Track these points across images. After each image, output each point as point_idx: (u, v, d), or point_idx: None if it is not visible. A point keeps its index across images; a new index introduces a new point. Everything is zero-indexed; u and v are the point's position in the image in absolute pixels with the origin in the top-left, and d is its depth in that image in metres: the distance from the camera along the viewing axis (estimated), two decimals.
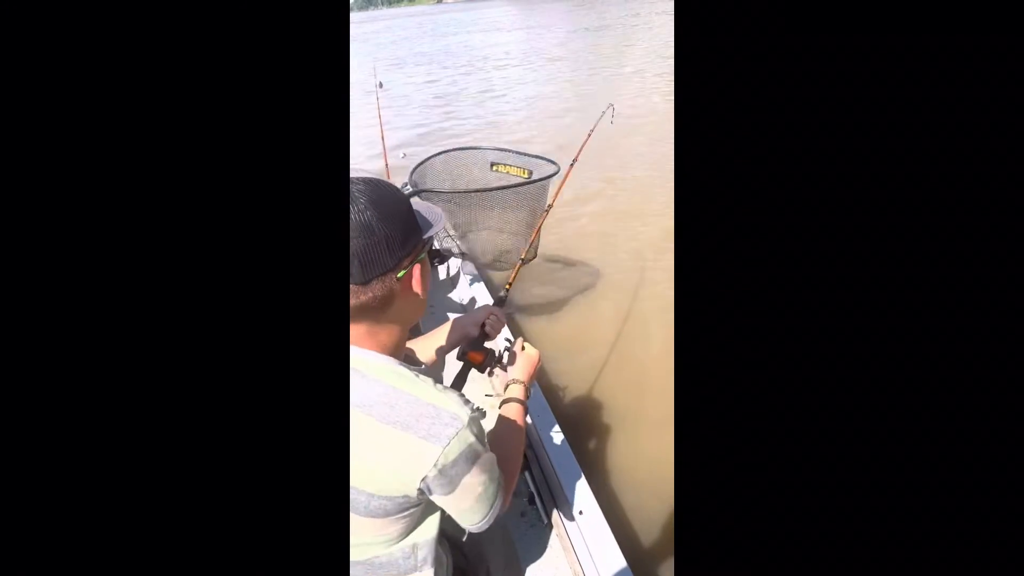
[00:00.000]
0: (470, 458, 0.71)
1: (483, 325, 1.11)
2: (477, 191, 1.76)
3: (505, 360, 1.08)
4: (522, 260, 1.41)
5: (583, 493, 1.38)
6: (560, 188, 1.49)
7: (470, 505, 0.74)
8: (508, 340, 1.13)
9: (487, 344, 1.10)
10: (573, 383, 2.51)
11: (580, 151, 1.49)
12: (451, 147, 1.95)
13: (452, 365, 1.08)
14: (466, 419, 0.70)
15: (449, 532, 0.97)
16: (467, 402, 0.73)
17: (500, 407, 1.00)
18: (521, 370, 1.05)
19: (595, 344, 2.81)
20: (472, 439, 0.71)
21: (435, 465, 0.67)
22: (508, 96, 9.60)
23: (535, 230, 1.46)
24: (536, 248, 1.44)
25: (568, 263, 3.70)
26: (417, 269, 0.73)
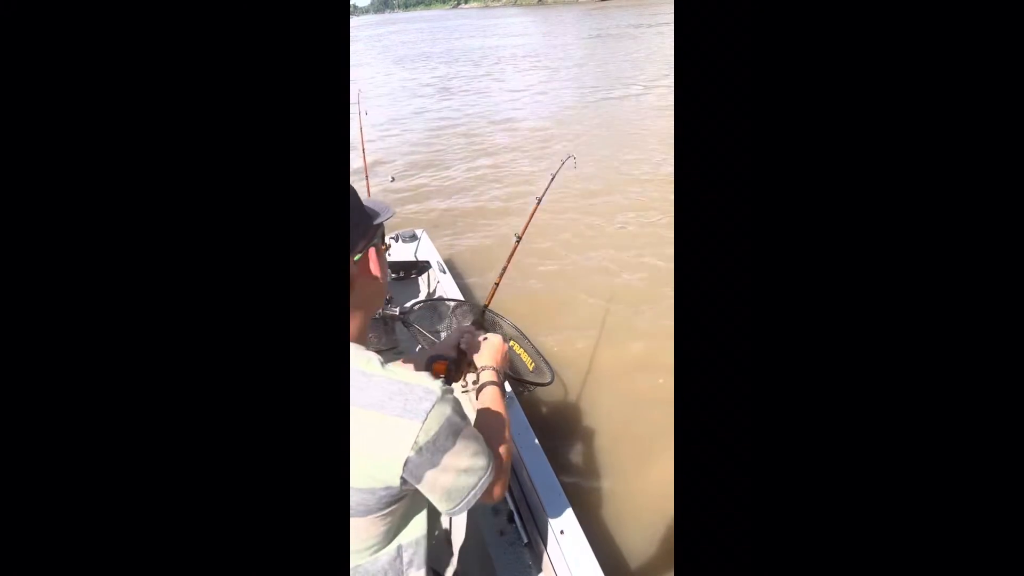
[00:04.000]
0: (452, 431, 0.68)
1: (459, 344, 1.08)
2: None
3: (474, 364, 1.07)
4: (495, 285, 1.42)
5: (563, 511, 1.36)
6: (528, 222, 1.55)
7: (455, 482, 0.70)
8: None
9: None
10: (554, 399, 2.49)
11: (543, 194, 1.58)
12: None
13: None
14: (440, 392, 0.68)
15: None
16: (438, 380, 0.71)
17: (476, 394, 0.98)
18: (488, 357, 1.04)
19: (577, 359, 2.79)
20: (450, 411, 0.68)
21: (415, 443, 0.65)
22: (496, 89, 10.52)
23: (508, 258, 1.49)
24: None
25: (546, 275, 3.70)
26: (372, 252, 0.74)
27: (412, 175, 6.12)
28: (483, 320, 1.31)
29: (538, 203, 1.62)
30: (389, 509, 0.71)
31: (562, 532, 1.31)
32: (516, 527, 1.47)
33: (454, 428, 0.69)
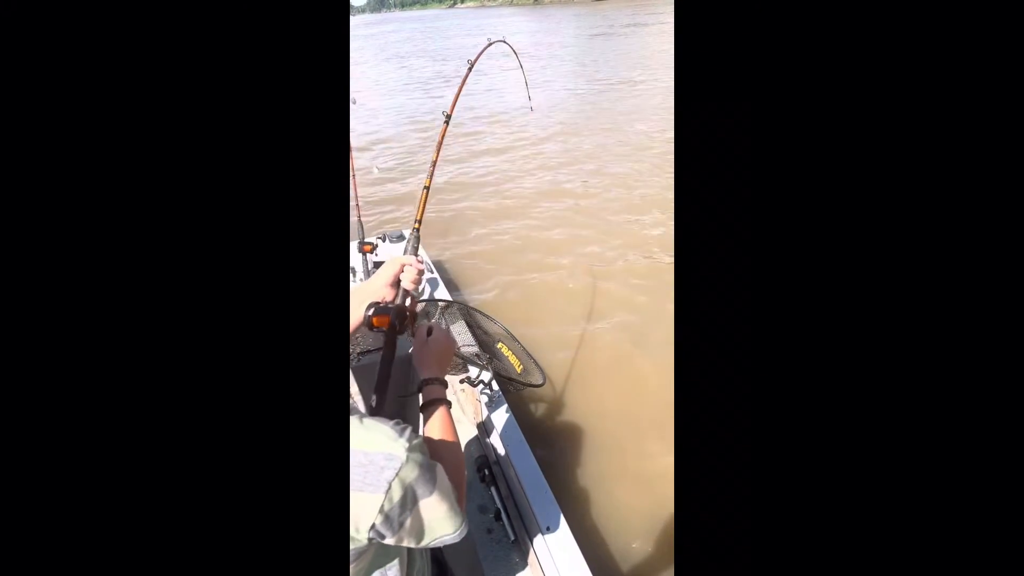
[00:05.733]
0: (416, 492, 0.65)
1: (397, 283, 0.93)
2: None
3: (430, 316, 0.91)
4: (425, 188, 1.32)
5: (550, 508, 1.36)
6: (456, 98, 1.50)
7: (424, 529, 0.68)
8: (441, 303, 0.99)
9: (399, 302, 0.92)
10: (542, 397, 2.50)
11: (461, 89, 1.50)
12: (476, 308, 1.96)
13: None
14: (403, 456, 0.63)
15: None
16: (403, 431, 0.66)
17: (421, 412, 0.86)
18: (434, 363, 0.89)
19: (561, 355, 2.80)
20: (415, 473, 0.64)
21: (380, 512, 0.62)
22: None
23: (439, 141, 1.39)
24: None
25: (525, 270, 3.72)
26: None
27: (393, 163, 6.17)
28: (417, 241, 1.14)
29: (469, 69, 1.58)
30: (360, 558, 0.70)
31: (549, 529, 1.32)
32: (503, 525, 1.48)
33: (421, 487, 0.65)
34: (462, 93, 1.49)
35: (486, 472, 1.56)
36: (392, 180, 5.89)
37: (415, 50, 22.73)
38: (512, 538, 1.45)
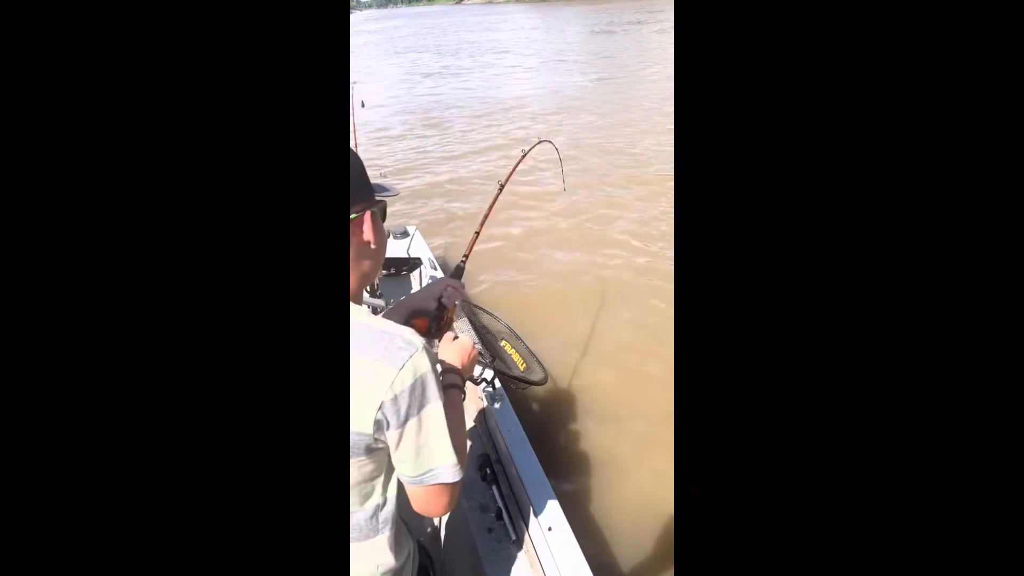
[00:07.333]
0: (425, 388, 0.71)
1: (440, 297, 1.11)
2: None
3: (456, 326, 1.10)
4: (476, 233, 1.47)
5: (552, 508, 1.36)
6: (513, 171, 1.57)
7: (424, 444, 0.72)
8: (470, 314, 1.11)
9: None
10: (544, 396, 2.50)
11: (511, 173, 1.59)
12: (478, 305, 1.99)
13: None
14: (420, 345, 0.71)
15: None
16: (420, 337, 0.73)
17: None
18: (456, 359, 1.00)
19: (566, 355, 2.80)
20: (427, 367, 0.71)
21: (391, 387, 0.68)
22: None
23: (489, 207, 1.53)
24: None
25: (533, 269, 3.72)
26: (368, 216, 0.76)
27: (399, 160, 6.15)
28: (460, 273, 1.36)
29: (523, 156, 1.65)
30: (364, 459, 0.73)
31: (550, 529, 1.31)
32: (505, 524, 1.47)
33: (430, 387, 0.71)
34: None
35: (487, 471, 1.56)
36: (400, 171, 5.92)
37: (418, 44, 22.79)
38: (513, 537, 1.45)
